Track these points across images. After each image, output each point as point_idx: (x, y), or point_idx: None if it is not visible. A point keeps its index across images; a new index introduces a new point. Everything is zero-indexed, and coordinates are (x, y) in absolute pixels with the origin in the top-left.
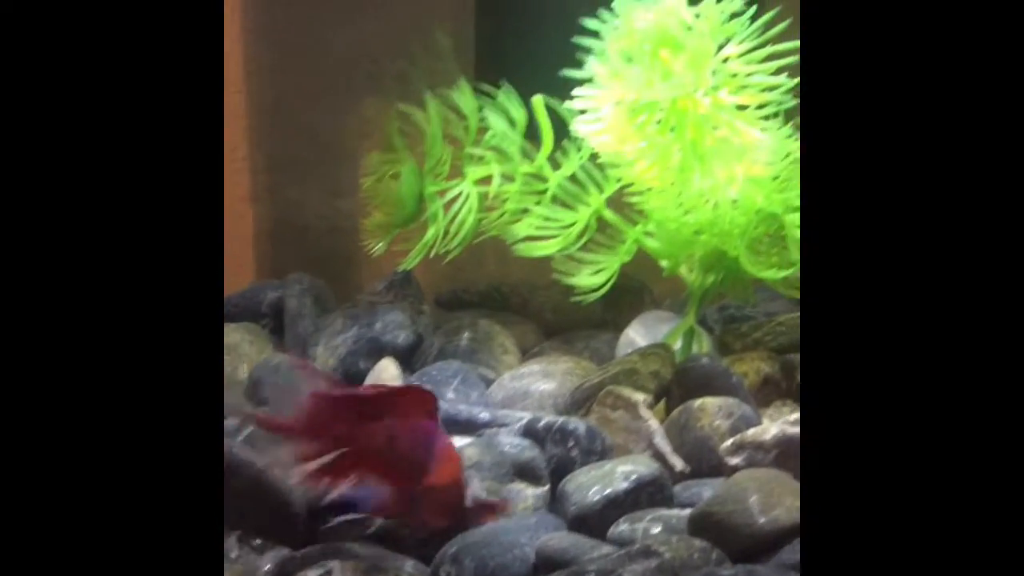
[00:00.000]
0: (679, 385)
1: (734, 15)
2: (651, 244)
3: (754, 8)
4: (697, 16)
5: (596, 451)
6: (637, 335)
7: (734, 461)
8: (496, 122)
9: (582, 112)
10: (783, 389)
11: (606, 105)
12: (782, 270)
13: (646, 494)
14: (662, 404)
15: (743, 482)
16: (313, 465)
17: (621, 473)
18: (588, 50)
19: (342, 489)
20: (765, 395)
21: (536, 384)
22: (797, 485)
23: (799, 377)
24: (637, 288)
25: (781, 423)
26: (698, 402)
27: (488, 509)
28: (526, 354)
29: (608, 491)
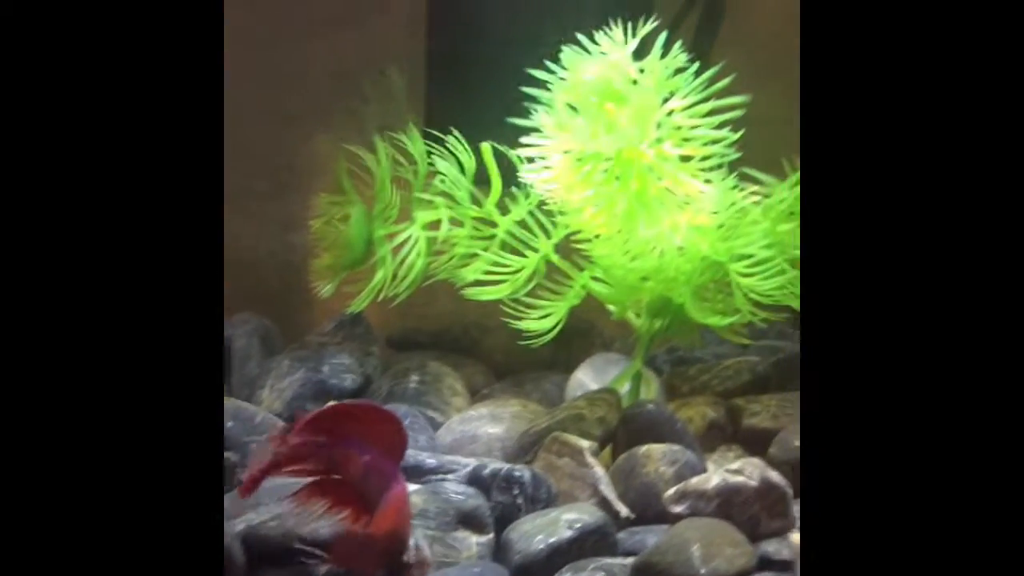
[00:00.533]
0: (625, 431)
1: (678, 70)
2: (599, 289)
3: (697, 64)
4: (642, 71)
5: (541, 499)
6: (586, 377)
7: (677, 509)
8: (445, 167)
9: (530, 160)
10: (728, 434)
11: (553, 154)
12: (727, 317)
13: (590, 542)
14: (608, 450)
15: (685, 532)
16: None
17: (565, 521)
18: (536, 100)
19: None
20: (710, 440)
21: (484, 428)
22: (738, 535)
23: (745, 420)
24: (587, 329)
25: (723, 472)
26: (643, 449)
27: (418, 567)
28: (476, 396)
29: (552, 539)
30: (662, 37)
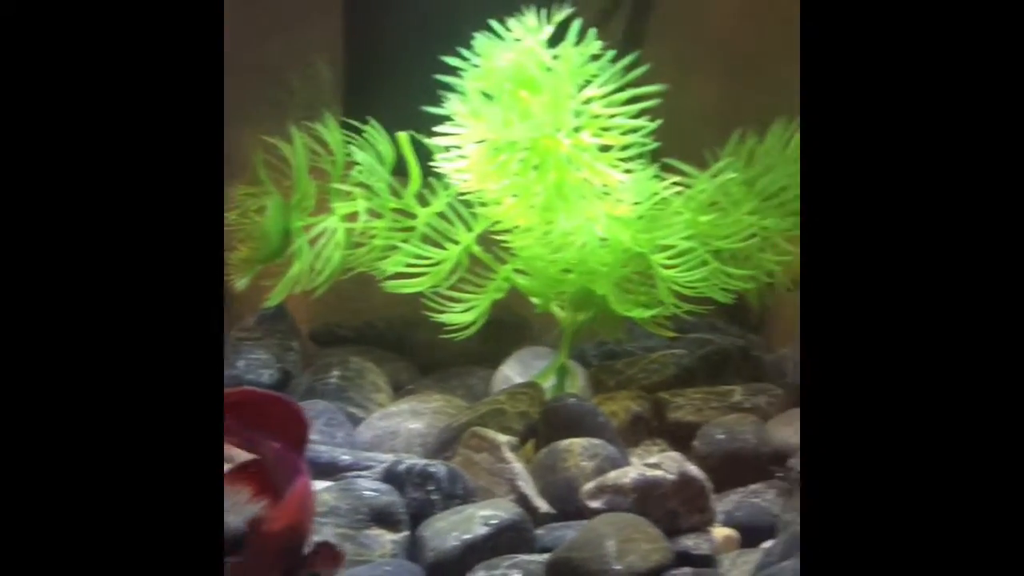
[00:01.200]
0: (546, 425)
1: (595, 57)
2: (522, 282)
3: (613, 52)
4: (556, 57)
5: (458, 495)
6: (512, 372)
7: (595, 504)
8: (363, 157)
9: (446, 149)
10: (653, 428)
11: (468, 143)
12: (650, 309)
13: (506, 539)
14: (531, 444)
15: (600, 527)
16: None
17: (481, 518)
18: (450, 87)
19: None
20: (635, 435)
21: (405, 423)
22: (654, 530)
23: (670, 414)
24: (517, 324)
25: (641, 466)
26: (564, 443)
27: (325, 557)
28: (400, 392)
29: (467, 536)
30: (576, 24)
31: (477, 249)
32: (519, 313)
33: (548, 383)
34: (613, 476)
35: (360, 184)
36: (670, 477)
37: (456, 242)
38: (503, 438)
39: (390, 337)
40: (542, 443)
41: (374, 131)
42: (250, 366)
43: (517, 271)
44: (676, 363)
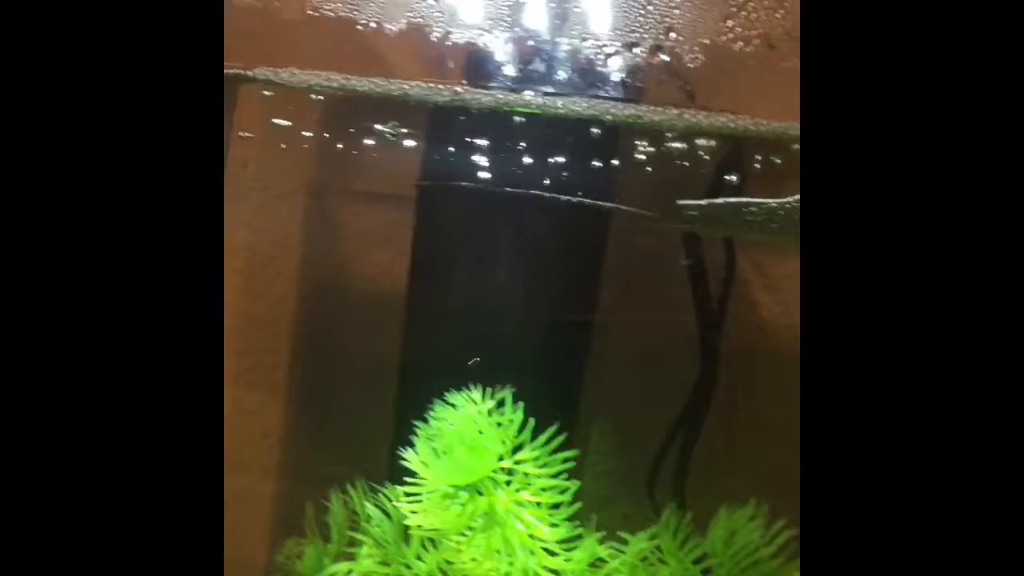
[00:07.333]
0: None
1: (522, 424)
2: None
3: (533, 422)
4: (499, 424)
5: None
6: None
7: None
8: (374, 512)
9: (407, 495)
10: None
11: (425, 491)
12: None
13: None
14: None
15: None
16: None
17: None
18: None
19: None
20: None
21: None
22: None
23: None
24: None
25: None
26: None
27: None
28: None
29: None
30: (508, 397)
31: None
32: None
33: None
34: None
35: (373, 537)
36: None
37: None
38: None
39: None
40: None
41: (388, 492)
42: None
43: None
44: None
